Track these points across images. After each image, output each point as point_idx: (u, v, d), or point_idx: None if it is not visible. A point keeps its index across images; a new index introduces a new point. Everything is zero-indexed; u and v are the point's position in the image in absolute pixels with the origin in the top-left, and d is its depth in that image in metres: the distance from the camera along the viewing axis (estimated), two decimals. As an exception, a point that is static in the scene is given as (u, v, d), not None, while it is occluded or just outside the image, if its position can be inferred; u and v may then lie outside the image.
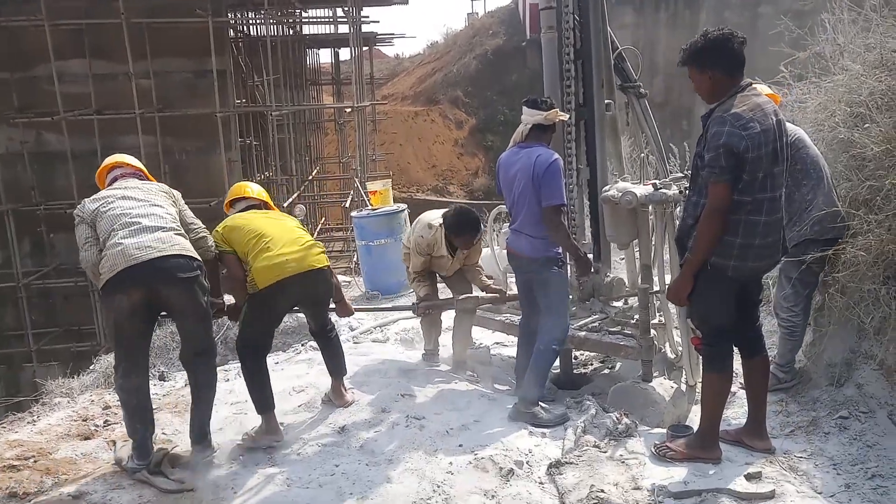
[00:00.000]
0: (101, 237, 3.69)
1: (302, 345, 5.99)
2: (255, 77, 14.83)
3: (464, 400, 4.55)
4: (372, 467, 3.76)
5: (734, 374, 3.71)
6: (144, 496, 3.59)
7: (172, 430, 4.38)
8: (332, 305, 4.59)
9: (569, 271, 4.65)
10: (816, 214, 4.08)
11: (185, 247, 3.76)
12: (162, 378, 5.63)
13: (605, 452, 3.78)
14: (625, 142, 5.66)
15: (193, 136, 12.02)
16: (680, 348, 4.47)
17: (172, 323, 4.61)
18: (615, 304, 5.07)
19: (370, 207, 8.78)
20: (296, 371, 5.26)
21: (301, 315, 5.12)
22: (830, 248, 4.06)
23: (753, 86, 3.42)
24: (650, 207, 4.39)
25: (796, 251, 4.08)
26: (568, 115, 4.74)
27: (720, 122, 3.24)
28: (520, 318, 4.79)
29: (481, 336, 5.82)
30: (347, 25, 14.19)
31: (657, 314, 4.72)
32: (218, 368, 4.37)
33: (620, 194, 4.37)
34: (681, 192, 4.20)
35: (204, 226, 4.07)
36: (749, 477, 3.39)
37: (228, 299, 4.32)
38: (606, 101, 5.02)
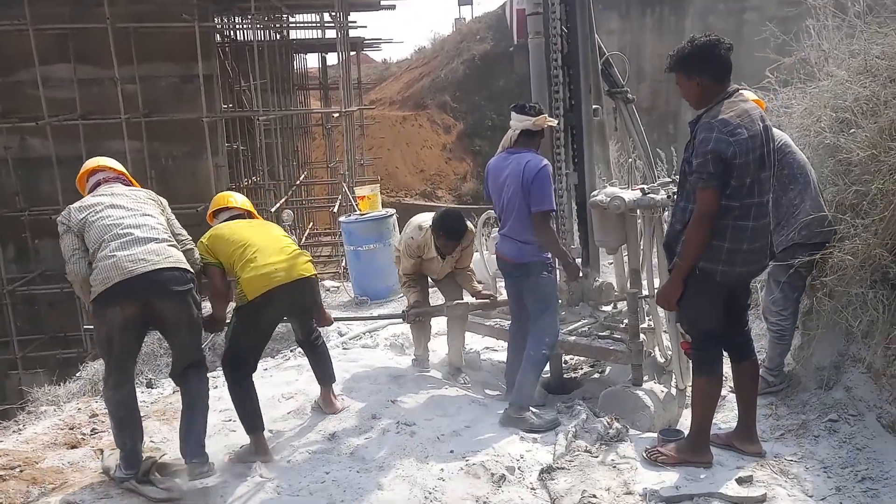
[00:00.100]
0: (90, 248, 3.61)
1: (291, 351, 5.96)
2: (241, 82, 14.78)
3: (455, 406, 4.54)
4: (363, 474, 3.75)
5: (724, 378, 3.73)
6: (133, 505, 3.56)
7: (161, 438, 4.34)
8: None
9: (558, 276, 4.66)
10: (804, 219, 4.11)
11: (178, 258, 3.69)
12: (149, 385, 5.59)
13: (596, 457, 3.79)
14: (613, 147, 5.68)
15: (180, 141, 11.93)
16: (669, 352, 4.49)
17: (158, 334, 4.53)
18: (604, 308, 5.09)
19: (358, 212, 8.77)
20: (285, 378, 5.24)
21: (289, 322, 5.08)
22: (818, 252, 4.08)
23: (741, 92, 3.44)
24: (638, 212, 4.40)
25: (784, 255, 4.11)
26: (556, 121, 4.75)
27: (708, 129, 3.25)
28: (509, 322, 4.79)
29: (471, 341, 5.82)
30: (335, 30, 14.17)
31: (646, 318, 4.73)
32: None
33: (609, 199, 4.38)
34: (669, 196, 4.22)
35: (190, 237, 3.99)
36: (740, 481, 3.41)
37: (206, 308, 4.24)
38: (594, 107, 5.04)
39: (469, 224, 5.00)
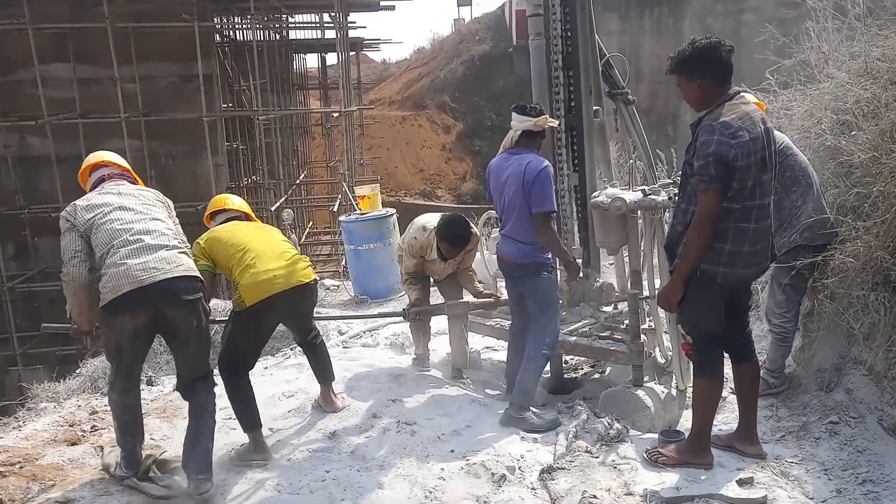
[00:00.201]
0: (97, 252, 3.52)
1: (291, 349, 5.95)
2: (241, 81, 14.78)
3: (455, 405, 4.55)
4: (363, 473, 3.74)
5: (725, 380, 3.73)
6: (133, 503, 3.55)
7: (161, 436, 4.34)
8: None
9: (559, 276, 4.67)
10: (806, 221, 4.11)
11: (189, 266, 3.61)
12: (150, 383, 5.56)
13: (596, 458, 3.79)
14: (613, 148, 5.69)
15: (180, 141, 11.95)
16: (670, 353, 4.49)
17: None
18: (605, 308, 5.09)
19: (359, 212, 8.77)
20: (285, 376, 5.24)
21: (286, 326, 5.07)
22: (820, 253, 4.09)
23: (742, 94, 3.45)
24: (639, 213, 4.41)
25: (787, 257, 4.12)
26: (557, 122, 4.75)
27: (709, 131, 3.26)
28: (510, 322, 4.80)
29: (471, 341, 5.81)
30: (334, 30, 14.18)
31: (647, 319, 4.74)
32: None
33: (610, 200, 4.39)
34: (669, 198, 4.23)
35: (187, 242, 3.86)
36: (741, 482, 3.41)
37: None
38: (595, 108, 5.04)
39: (474, 228, 5.00)
